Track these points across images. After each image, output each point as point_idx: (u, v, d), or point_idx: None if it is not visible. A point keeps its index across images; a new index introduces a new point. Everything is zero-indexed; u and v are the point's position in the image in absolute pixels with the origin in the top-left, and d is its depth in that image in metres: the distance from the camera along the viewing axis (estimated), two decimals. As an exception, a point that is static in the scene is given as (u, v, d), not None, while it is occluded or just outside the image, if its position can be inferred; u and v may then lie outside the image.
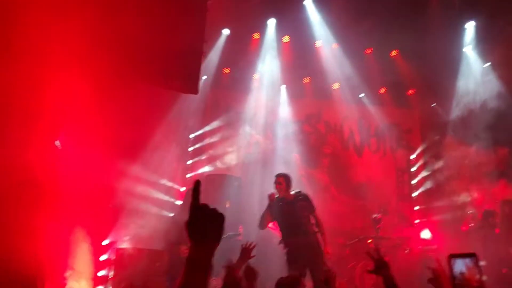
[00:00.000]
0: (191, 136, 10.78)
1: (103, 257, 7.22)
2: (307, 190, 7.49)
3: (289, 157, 11.08)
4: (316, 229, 6.52)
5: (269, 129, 11.39)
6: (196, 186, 1.76)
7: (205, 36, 6.87)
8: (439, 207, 10.99)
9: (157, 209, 7.71)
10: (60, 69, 5.16)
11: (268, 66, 10.79)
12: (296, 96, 11.56)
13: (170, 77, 6.72)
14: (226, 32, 9.99)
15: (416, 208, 11.65)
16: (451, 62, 10.38)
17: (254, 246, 4.45)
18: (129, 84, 6.59)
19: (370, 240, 8.78)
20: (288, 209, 6.51)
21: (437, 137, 11.67)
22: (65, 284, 6.28)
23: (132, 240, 7.60)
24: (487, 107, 10.09)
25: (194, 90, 7.03)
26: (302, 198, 6.61)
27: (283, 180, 6.66)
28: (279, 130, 11.39)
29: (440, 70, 10.41)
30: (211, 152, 10.76)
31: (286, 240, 6.53)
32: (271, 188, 10.25)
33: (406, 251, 8.47)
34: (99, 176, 6.35)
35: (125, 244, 7.52)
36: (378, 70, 10.92)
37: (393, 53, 10.84)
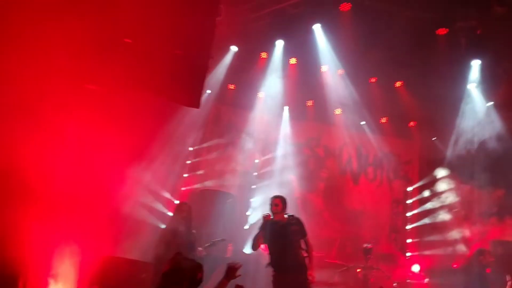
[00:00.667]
0: (190, 149, 10.78)
1: (88, 264, 7.13)
2: (301, 213, 7.45)
3: (285, 178, 11.07)
4: (306, 254, 6.45)
5: (268, 149, 11.39)
6: None
7: (212, 52, 6.92)
8: (431, 242, 10.96)
9: (149, 220, 7.67)
10: (62, 73, 5.19)
11: (273, 86, 10.83)
12: (298, 118, 11.60)
13: (173, 90, 6.75)
14: (234, 49, 10.06)
15: (409, 241, 11.58)
16: (454, 98, 10.43)
17: (240, 266, 4.42)
18: (131, 93, 6.61)
19: (359, 270, 8.71)
20: (280, 232, 6.44)
21: (434, 172, 11.67)
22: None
23: (119, 249, 7.54)
24: (486, 147, 10.11)
25: (196, 104, 7.06)
26: (295, 222, 6.55)
27: (279, 202, 6.58)
28: (278, 151, 11.39)
29: (443, 105, 10.46)
30: (208, 167, 10.74)
31: (274, 263, 6.46)
32: (266, 208, 10.33)
33: (394, 284, 8.40)
34: (91, 182, 6.32)
35: (112, 253, 7.46)
36: (381, 99, 10.96)
37: (398, 84, 10.89)
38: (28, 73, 5.09)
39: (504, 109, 10.12)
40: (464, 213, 10.88)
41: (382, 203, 11.72)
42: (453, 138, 11.00)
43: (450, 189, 11.36)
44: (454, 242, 10.40)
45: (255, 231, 6.79)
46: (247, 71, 10.64)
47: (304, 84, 10.85)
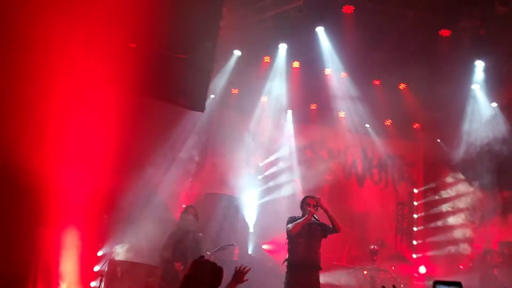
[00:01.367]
0: (194, 153, 10.79)
1: (96, 268, 7.16)
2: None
3: (289, 181, 11.08)
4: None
5: (272, 152, 11.40)
6: None
7: (216, 56, 6.96)
8: (437, 243, 10.92)
9: (155, 224, 7.67)
10: (69, 77, 5.22)
11: (276, 89, 10.86)
12: (301, 121, 11.61)
13: (178, 94, 6.80)
14: (237, 53, 10.09)
15: (415, 242, 11.55)
16: (458, 100, 10.41)
17: (248, 270, 4.41)
18: (136, 96, 6.64)
19: (366, 271, 8.68)
20: (309, 231, 6.40)
21: (439, 174, 11.65)
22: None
23: (127, 253, 7.56)
24: (491, 148, 10.09)
25: (201, 108, 7.11)
26: (318, 223, 6.52)
27: (317, 201, 6.53)
28: (281, 154, 11.41)
29: (447, 106, 10.45)
30: (212, 170, 10.75)
31: (296, 260, 6.36)
32: (271, 211, 10.34)
33: (401, 285, 8.37)
34: (99, 185, 6.35)
35: (119, 256, 7.48)
36: (385, 102, 10.97)
37: (401, 86, 10.89)
38: (35, 75, 5.12)
39: (509, 110, 10.09)
40: (470, 214, 10.84)
41: (387, 205, 11.69)
42: (457, 139, 10.98)
43: (455, 191, 11.34)
44: (461, 243, 10.36)
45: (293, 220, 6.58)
46: (250, 75, 10.67)
47: (307, 87, 10.86)
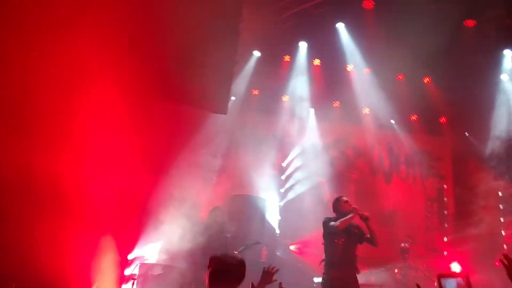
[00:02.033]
0: (218, 155, 10.79)
1: (127, 271, 7.21)
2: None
3: (315, 181, 10.95)
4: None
5: (296, 153, 11.31)
6: None
7: (236, 57, 6.94)
8: (469, 239, 10.64)
9: (184, 225, 7.67)
10: (93, 81, 5.26)
11: (297, 88, 10.78)
12: (324, 119, 11.48)
13: (200, 97, 6.80)
14: (257, 54, 10.05)
15: (446, 239, 11.28)
16: (486, 91, 10.14)
17: (276, 271, 4.35)
18: (161, 101, 6.68)
19: (396, 270, 8.52)
20: (347, 233, 6.34)
21: (468, 168, 11.37)
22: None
23: (157, 256, 7.58)
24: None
25: (224, 110, 7.10)
26: (356, 225, 6.46)
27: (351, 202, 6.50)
28: (305, 154, 11.30)
29: (475, 98, 10.18)
30: (236, 172, 10.72)
31: (332, 262, 6.31)
32: (296, 212, 10.25)
33: (435, 283, 8.17)
34: (128, 190, 6.40)
35: (150, 260, 7.51)
36: (409, 96, 10.77)
37: (426, 79, 10.69)
38: (58, 84, 5.18)
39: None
40: (501, 209, 10.54)
41: (416, 202, 11.46)
42: (486, 132, 10.71)
43: (486, 185, 11.04)
44: (494, 238, 10.08)
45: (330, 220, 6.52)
46: (271, 76, 10.61)
47: (329, 85, 10.76)
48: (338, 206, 6.44)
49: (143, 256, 7.50)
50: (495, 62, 9.72)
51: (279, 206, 10.74)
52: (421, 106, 11.12)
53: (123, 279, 7.06)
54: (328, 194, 10.95)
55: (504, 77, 9.98)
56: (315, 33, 9.41)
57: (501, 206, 10.73)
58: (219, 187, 10.44)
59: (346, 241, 6.28)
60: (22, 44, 4.98)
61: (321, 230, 6.63)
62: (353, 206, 6.29)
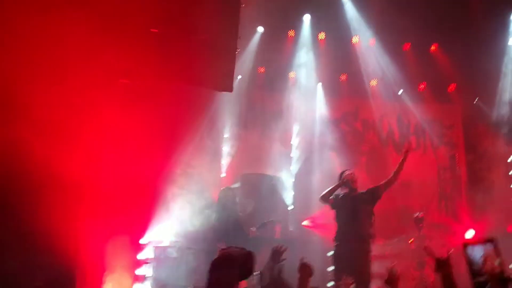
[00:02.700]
0: (226, 136, 10.77)
1: (141, 255, 7.26)
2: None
3: (325, 156, 10.88)
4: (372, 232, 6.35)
5: (305, 129, 11.23)
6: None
7: (238, 32, 6.83)
8: (483, 206, 10.56)
9: (196, 208, 7.69)
10: (91, 64, 5.21)
11: (303, 64, 10.65)
12: (332, 94, 11.35)
13: (205, 75, 6.72)
14: (260, 29, 9.92)
15: (460, 207, 11.20)
16: (494, 55, 9.95)
17: (285, 249, 4.36)
18: (166, 82, 6.62)
19: (411, 240, 8.50)
20: (352, 205, 6.36)
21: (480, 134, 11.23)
22: (103, 282, 6.35)
23: (170, 239, 7.63)
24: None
25: (229, 88, 7.01)
26: (365, 192, 6.46)
27: (355, 174, 6.51)
28: (315, 129, 11.22)
29: (483, 63, 9.98)
30: (246, 151, 10.69)
31: (339, 236, 6.33)
32: (307, 188, 10.21)
33: (450, 251, 8.14)
34: (138, 174, 6.40)
35: (163, 243, 7.55)
36: (417, 65, 10.60)
37: (432, 47, 10.49)
38: (65, 75, 5.14)
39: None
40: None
41: (428, 171, 11.34)
42: (497, 97, 10.54)
43: (498, 151, 10.90)
44: (508, 205, 9.99)
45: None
46: (276, 52, 10.49)
47: (335, 58, 10.60)
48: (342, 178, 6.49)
49: (156, 239, 7.55)
50: (503, 25, 9.51)
51: (291, 182, 10.71)
52: (429, 74, 10.93)
53: (136, 263, 7.12)
54: (338, 168, 10.90)
55: (512, 40, 9.78)
56: (319, 5, 9.25)
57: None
58: (229, 167, 10.45)
59: (352, 213, 6.28)
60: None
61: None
62: (349, 177, 6.32)
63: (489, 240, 2.31)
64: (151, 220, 7.30)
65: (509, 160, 10.66)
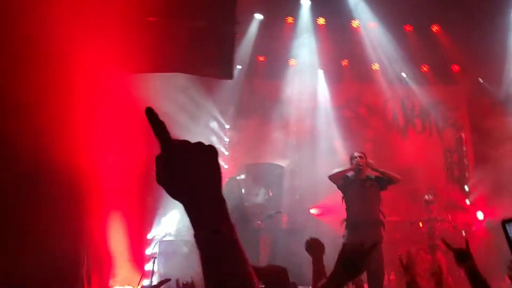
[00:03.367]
0: (227, 126, 10.63)
1: (148, 251, 7.15)
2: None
3: (331, 144, 10.72)
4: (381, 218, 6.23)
5: (308, 117, 11.06)
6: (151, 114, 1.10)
7: (236, 18, 6.65)
8: (491, 187, 10.40)
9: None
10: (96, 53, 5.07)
11: (303, 50, 10.47)
12: (334, 80, 11.19)
13: (204, 64, 6.58)
14: (259, 17, 9.74)
15: (467, 188, 11.04)
16: (497, 33, 9.72)
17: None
18: (165, 72, 6.48)
19: (421, 224, 8.36)
20: (361, 187, 6.24)
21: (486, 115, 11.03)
22: (111, 277, 6.25)
23: (176, 233, 7.52)
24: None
25: (229, 76, 6.87)
26: (374, 178, 6.34)
27: (364, 155, 6.38)
28: (318, 117, 11.06)
29: (486, 42, 9.76)
30: (248, 141, 10.55)
31: (349, 220, 6.20)
32: (312, 176, 10.05)
33: (462, 233, 8.02)
34: (143, 168, 6.26)
35: (168, 237, 7.44)
36: (419, 47, 10.40)
37: (434, 28, 10.30)
38: (54, 66, 4.99)
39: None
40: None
41: (434, 154, 11.17)
42: (501, 76, 10.34)
43: (505, 131, 10.72)
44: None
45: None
46: (275, 40, 10.32)
47: (336, 43, 10.43)
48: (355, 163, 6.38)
49: (162, 234, 7.44)
50: (506, 3, 9.30)
51: (296, 171, 10.56)
52: (432, 56, 10.72)
53: (144, 259, 7.01)
54: (343, 155, 10.75)
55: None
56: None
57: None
58: (233, 157, 10.31)
59: (362, 196, 6.17)
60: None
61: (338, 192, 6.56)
62: (362, 161, 6.23)
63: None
64: (157, 214, 7.19)
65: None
